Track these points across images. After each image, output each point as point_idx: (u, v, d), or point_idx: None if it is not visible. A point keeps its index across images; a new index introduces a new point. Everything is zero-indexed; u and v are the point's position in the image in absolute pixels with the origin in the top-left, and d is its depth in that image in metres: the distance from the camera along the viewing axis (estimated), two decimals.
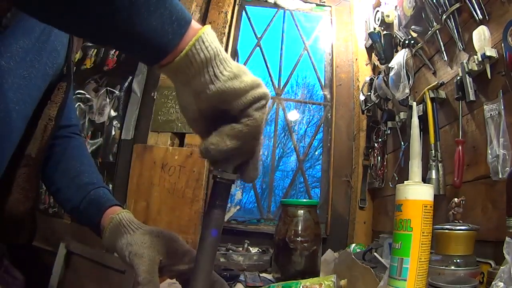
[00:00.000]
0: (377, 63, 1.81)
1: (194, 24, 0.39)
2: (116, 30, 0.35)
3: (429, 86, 1.21)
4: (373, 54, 1.91)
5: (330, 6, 2.26)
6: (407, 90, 1.39)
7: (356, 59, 2.08)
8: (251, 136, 0.42)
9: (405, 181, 0.60)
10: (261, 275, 1.27)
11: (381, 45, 1.65)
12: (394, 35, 1.57)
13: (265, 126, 0.44)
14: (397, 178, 1.44)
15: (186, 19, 0.38)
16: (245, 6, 2.26)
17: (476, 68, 0.99)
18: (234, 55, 2.15)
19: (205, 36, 0.39)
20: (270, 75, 2.20)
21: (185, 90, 0.41)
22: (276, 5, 2.27)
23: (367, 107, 1.80)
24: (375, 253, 1.16)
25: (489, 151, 0.91)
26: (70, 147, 0.70)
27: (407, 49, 1.43)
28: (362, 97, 1.84)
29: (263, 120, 0.42)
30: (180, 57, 0.38)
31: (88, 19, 0.33)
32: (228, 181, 0.47)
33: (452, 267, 0.77)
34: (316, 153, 2.64)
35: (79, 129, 0.75)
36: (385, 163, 1.68)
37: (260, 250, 1.60)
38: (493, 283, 0.59)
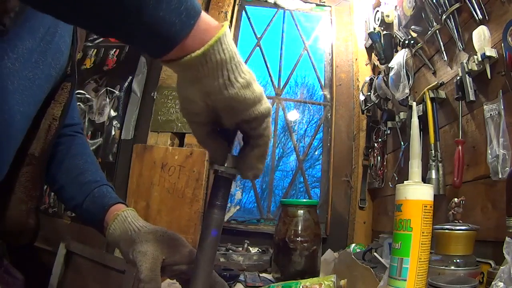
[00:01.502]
0: (377, 63, 1.81)
1: (205, 16, 0.37)
2: (121, 20, 0.33)
3: (429, 86, 1.21)
4: (373, 54, 1.91)
5: (330, 6, 2.26)
6: (407, 90, 1.39)
7: (356, 59, 2.08)
8: (267, 150, 0.46)
9: (405, 181, 0.60)
10: (261, 275, 1.27)
11: (381, 45, 1.65)
12: (394, 35, 1.57)
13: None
14: (397, 178, 1.44)
15: (196, 10, 0.36)
16: (245, 6, 2.26)
17: (476, 68, 0.99)
18: None
19: (224, 37, 0.37)
20: (270, 75, 2.20)
21: (193, 87, 0.40)
22: (276, 5, 2.27)
23: (367, 107, 1.80)
24: (375, 253, 1.16)
25: (489, 151, 0.91)
26: (73, 146, 0.70)
27: (407, 49, 1.43)
28: (362, 97, 1.84)
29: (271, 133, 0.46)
30: (197, 54, 0.36)
31: (92, 8, 0.32)
32: (229, 175, 0.46)
33: (452, 267, 0.77)
34: (316, 153, 2.64)
35: (81, 127, 0.75)
36: (385, 163, 1.68)
37: (260, 250, 1.60)
38: (493, 283, 0.59)
